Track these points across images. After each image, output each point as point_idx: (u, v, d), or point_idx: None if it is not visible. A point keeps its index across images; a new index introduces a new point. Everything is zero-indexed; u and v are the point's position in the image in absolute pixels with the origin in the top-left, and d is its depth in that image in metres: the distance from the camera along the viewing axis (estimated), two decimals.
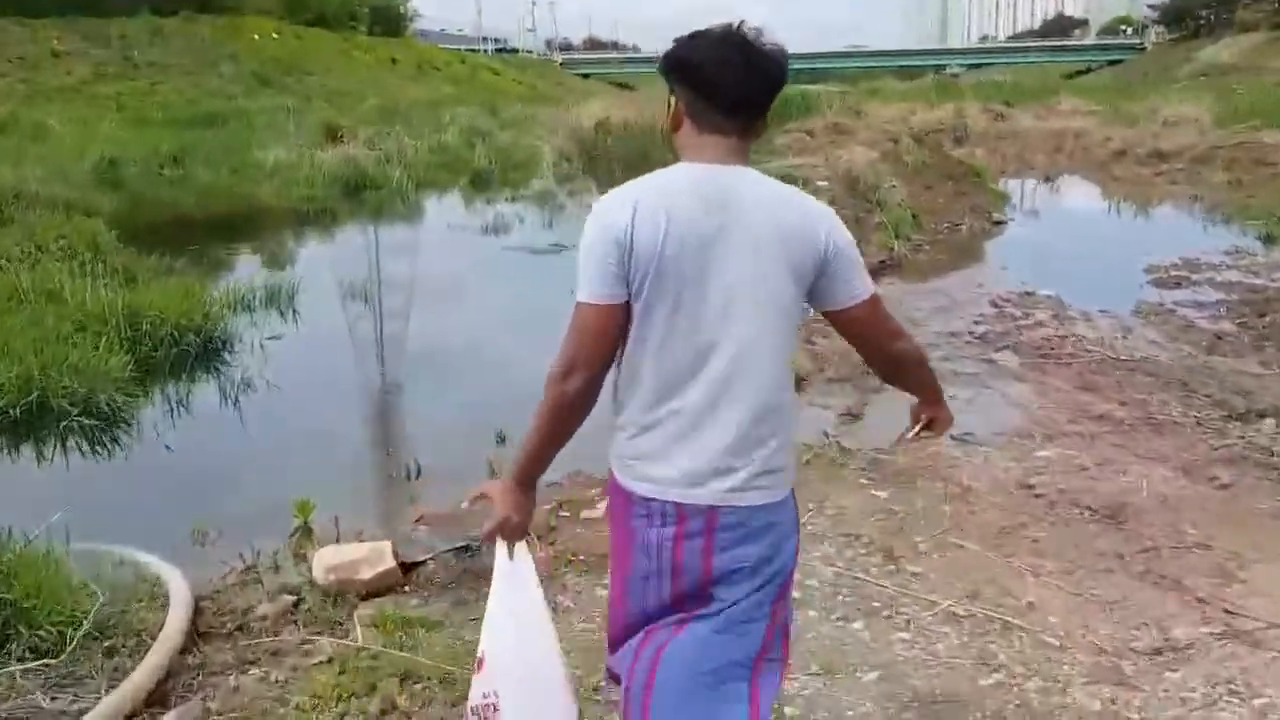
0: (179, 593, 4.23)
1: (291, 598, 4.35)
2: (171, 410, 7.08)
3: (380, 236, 14.41)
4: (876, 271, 10.41)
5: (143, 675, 3.62)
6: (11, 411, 6.51)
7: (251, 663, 3.87)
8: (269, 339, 8.53)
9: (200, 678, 3.77)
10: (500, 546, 2.33)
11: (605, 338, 2.15)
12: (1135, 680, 3.41)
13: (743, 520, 2.18)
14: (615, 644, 2.39)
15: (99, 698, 3.55)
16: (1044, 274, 10.64)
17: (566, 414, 2.18)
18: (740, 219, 2.12)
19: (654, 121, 18.76)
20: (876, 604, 3.96)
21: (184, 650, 3.92)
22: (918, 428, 2.48)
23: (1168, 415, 6.14)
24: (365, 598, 4.30)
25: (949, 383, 6.89)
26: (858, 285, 2.20)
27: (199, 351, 8.10)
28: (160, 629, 3.95)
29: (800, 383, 6.64)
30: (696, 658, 2.20)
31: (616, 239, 2.10)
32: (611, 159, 18.71)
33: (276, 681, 3.72)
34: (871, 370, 2.42)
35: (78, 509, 5.28)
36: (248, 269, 11.68)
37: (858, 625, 3.81)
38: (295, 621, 4.17)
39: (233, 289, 9.73)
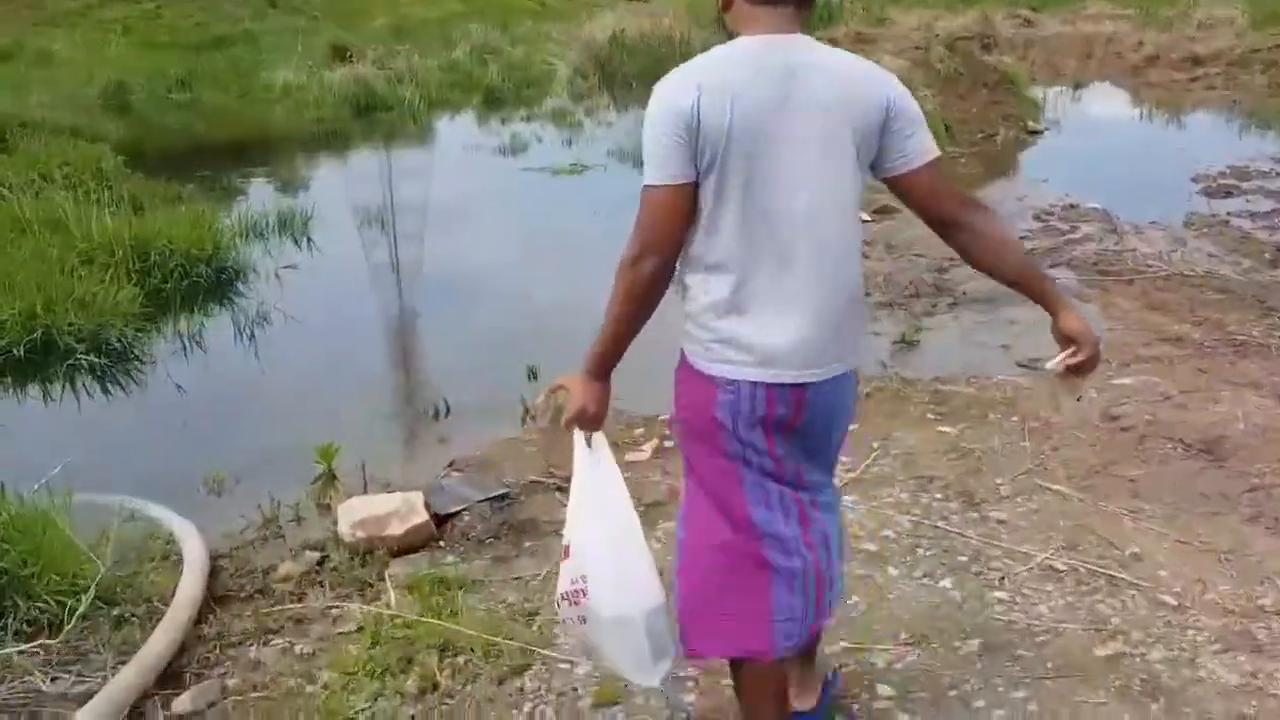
0: (194, 552, 3.83)
1: (316, 554, 3.95)
2: (184, 347, 6.64)
3: (394, 159, 13.81)
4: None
5: (153, 651, 3.23)
6: (15, 350, 6.09)
7: (274, 632, 3.47)
8: (284, 268, 8.06)
9: (217, 650, 3.38)
10: (578, 436, 2.36)
11: (676, 219, 2.12)
12: (1273, 648, 2.98)
13: (827, 393, 2.19)
14: (712, 550, 2.31)
15: (105, 678, 3.17)
16: (1086, 185, 10.03)
17: (640, 299, 2.15)
18: (804, 86, 2.09)
19: (670, 33, 18.00)
20: (963, 557, 3.53)
21: (199, 619, 3.53)
22: (1063, 356, 2.20)
23: (1249, 336, 5.64)
24: (396, 554, 3.89)
25: (1006, 303, 6.41)
26: (926, 143, 2.17)
27: (211, 283, 7.64)
28: (174, 594, 3.56)
29: None
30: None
31: (683, 118, 2.07)
32: (628, 73, 17.96)
33: (301, 654, 3.33)
34: (954, 249, 2.26)
35: (84, 456, 4.88)
36: (259, 195, 11.16)
37: (946, 584, 3.38)
38: (321, 582, 3.77)
39: (244, 216, 9.22)
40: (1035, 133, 13.92)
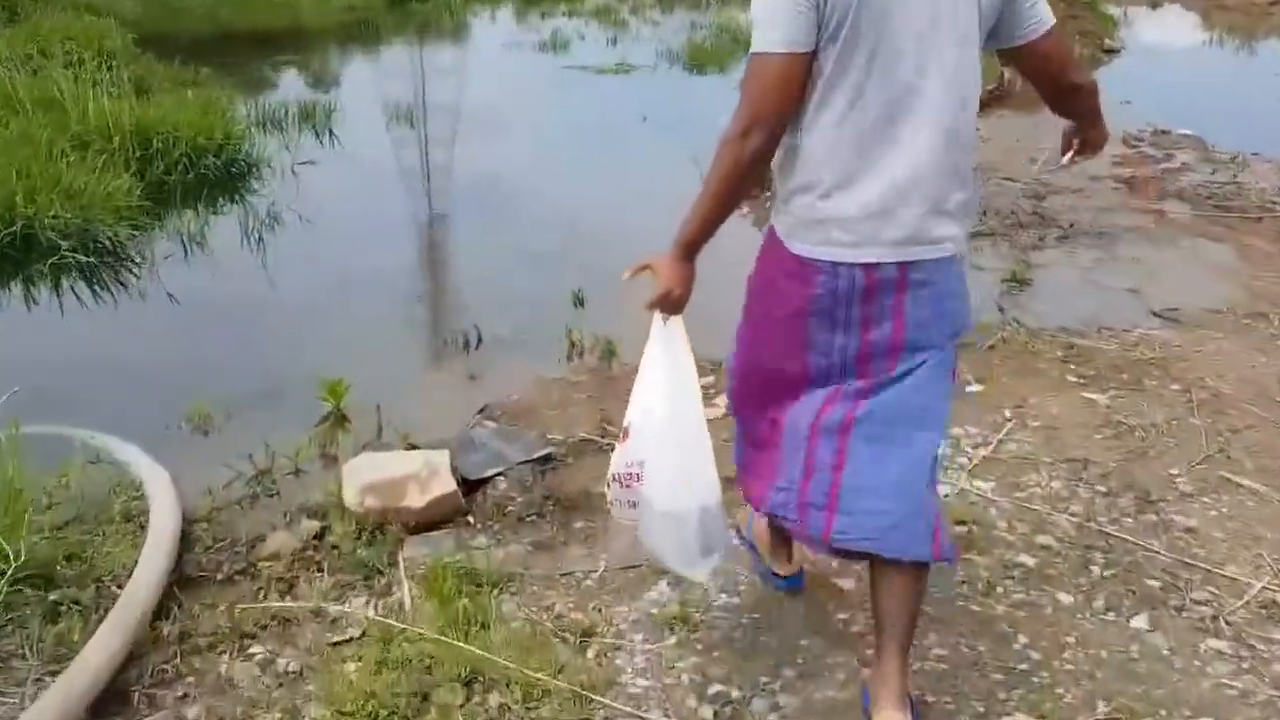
0: (163, 517, 2.99)
1: (315, 524, 3.11)
2: (183, 248, 5.73)
3: (427, 54, 12.72)
4: (985, 102, 8.84)
5: (89, 667, 2.39)
6: None
7: (253, 636, 2.63)
8: (301, 164, 7.12)
9: (178, 659, 2.54)
10: (657, 315, 2.18)
11: (791, 90, 1.94)
12: None
13: (932, 277, 2.02)
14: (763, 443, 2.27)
15: (25, 699, 2.34)
16: (1172, 110, 8.92)
17: (743, 176, 1.99)
18: None
19: None
20: (1153, 582, 2.65)
21: (160, 609, 2.69)
22: (1071, 152, 2.26)
23: None
24: (413, 530, 3.04)
25: (1124, 239, 5.48)
26: (1045, 12, 2.02)
27: (219, 177, 6.72)
28: (130, 578, 2.73)
29: None
30: (888, 415, 2.06)
31: None
32: None
33: (286, 672, 2.50)
34: (1047, 102, 2.16)
35: (53, 376, 4.04)
36: (282, 85, 10.17)
37: (1141, 623, 2.49)
38: (319, 564, 2.92)
39: (263, 106, 8.27)
40: (1112, 51, 12.73)
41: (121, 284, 5.34)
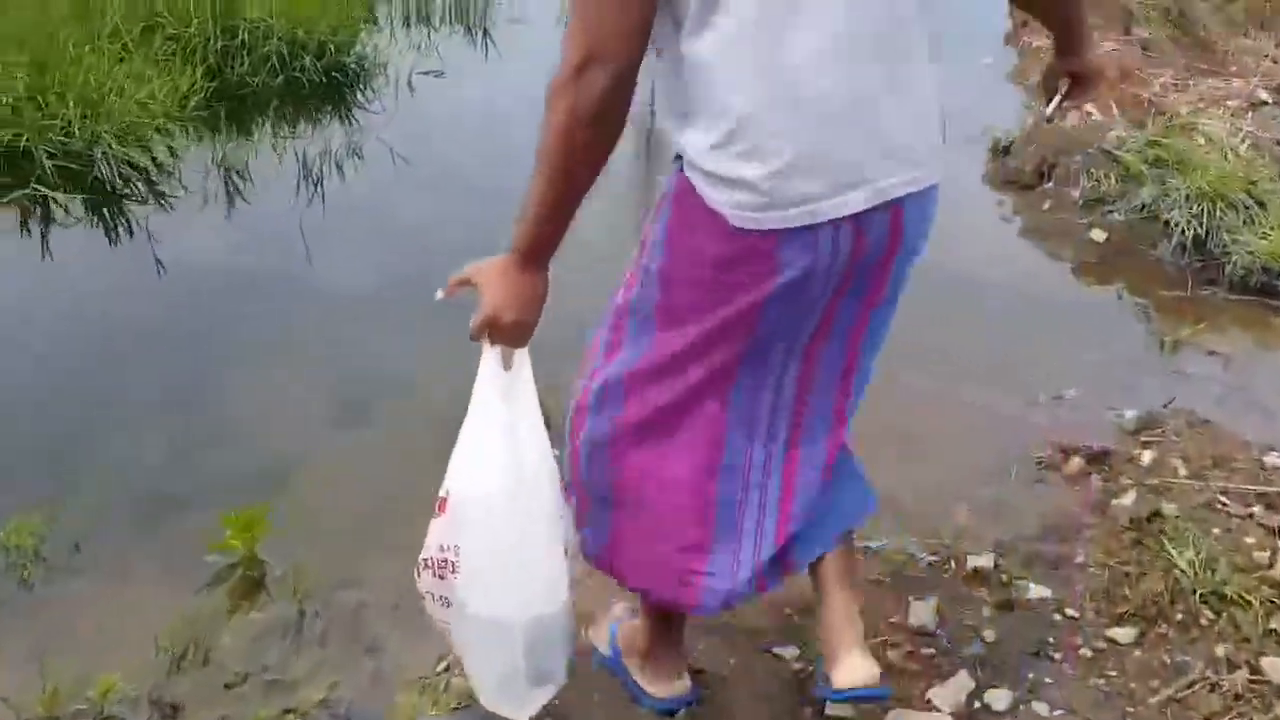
0: None
1: None
2: (215, 192, 4.17)
3: None
4: None
5: None
6: None
7: None
8: (423, 74, 5.42)
9: None
10: (489, 352, 1.44)
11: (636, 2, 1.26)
12: None
13: (924, 207, 1.47)
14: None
15: None
16: None
17: (587, 136, 1.29)
18: None
19: None
20: None
21: None
22: (1058, 98, 1.74)
23: None
24: None
25: None
26: None
27: (313, 84, 5.09)
28: None
29: None
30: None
31: None
32: None
33: None
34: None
35: None
36: None
37: None
38: None
39: None
40: None
41: (108, 236, 3.84)
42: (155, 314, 3.29)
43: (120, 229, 3.87)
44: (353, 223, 3.94)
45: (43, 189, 3.86)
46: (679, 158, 1.43)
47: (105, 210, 3.95)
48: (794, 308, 1.44)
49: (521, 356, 1.47)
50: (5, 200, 3.84)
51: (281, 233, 3.81)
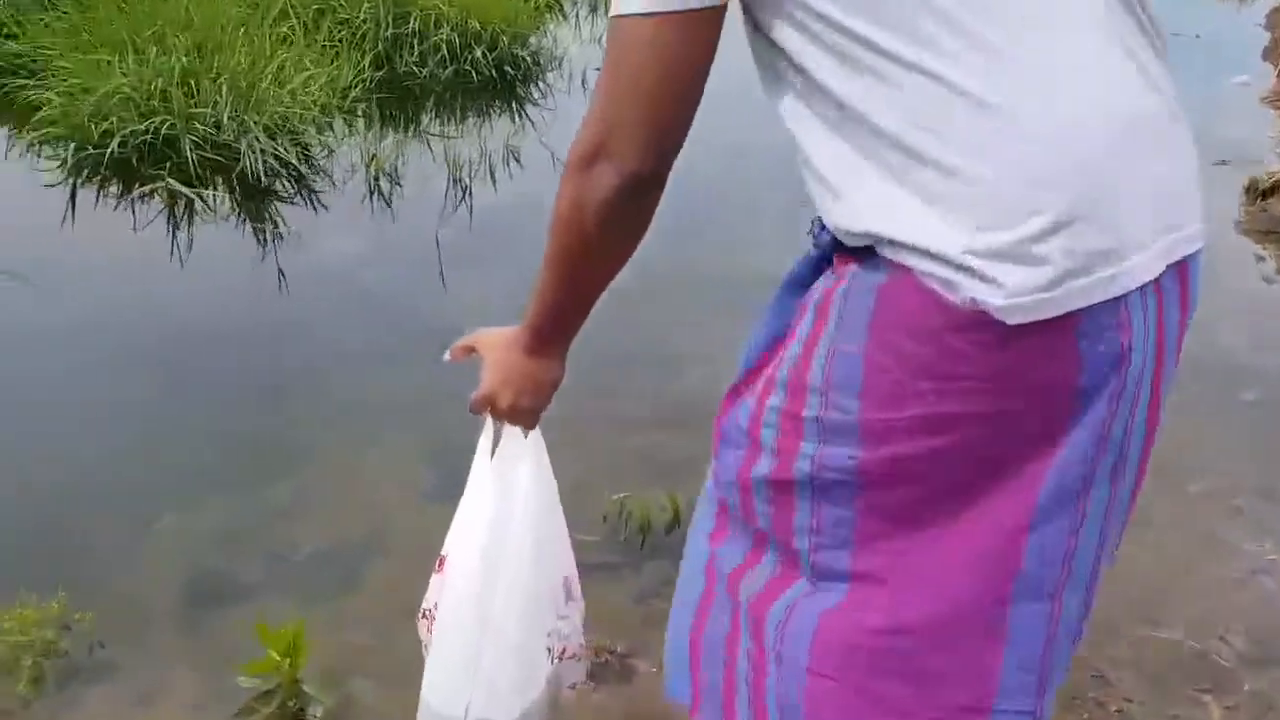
0: None
1: None
2: (374, 191, 3.85)
3: None
4: None
5: None
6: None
7: None
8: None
9: None
10: (489, 426, 1.28)
11: (688, 76, 0.94)
12: None
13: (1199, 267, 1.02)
14: None
15: None
16: None
17: (592, 239, 1.01)
18: None
19: None
20: None
21: None
22: None
23: None
24: None
25: None
26: None
27: (483, 79, 4.74)
28: None
29: None
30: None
31: None
32: None
33: None
34: None
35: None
36: None
37: None
38: None
39: None
40: None
41: (241, 237, 3.54)
42: (257, 331, 2.96)
43: (256, 231, 3.57)
44: (492, 241, 3.51)
45: (175, 183, 3.61)
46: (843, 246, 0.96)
47: (245, 208, 3.67)
48: (1096, 429, 0.95)
49: (535, 437, 1.28)
50: (143, 191, 3.60)
51: (416, 250, 3.42)
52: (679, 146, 0.97)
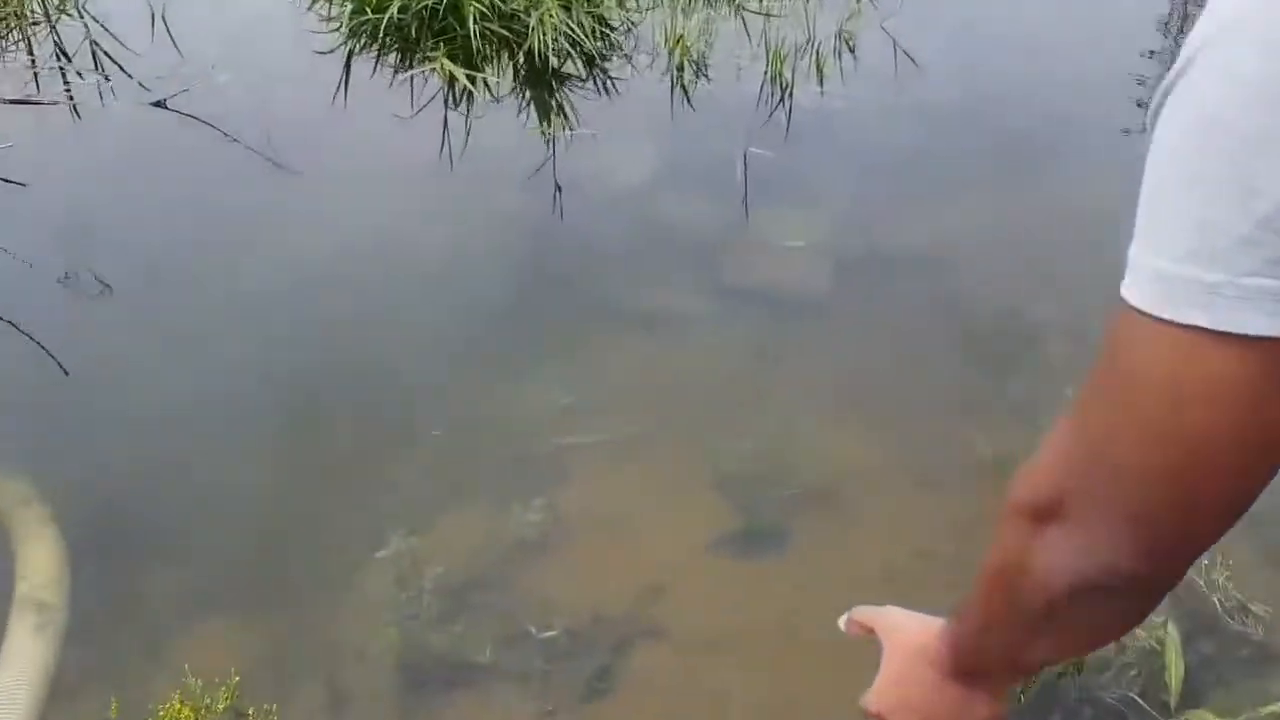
0: None
1: None
2: (675, 89, 3.19)
3: None
4: None
5: None
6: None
7: None
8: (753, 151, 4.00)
9: None
10: None
11: (1242, 441, 0.51)
12: None
13: None
14: None
15: None
16: None
17: (1022, 609, 0.67)
18: None
19: None
20: None
21: None
22: None
23: None
24: None
25: None
26: None
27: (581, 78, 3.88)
28: None
29: None
30: None
31: None
32: None
33: None
34: None
35: None
36: None
37: None
38: None
39: None
40: None
41: (534, 134, 2.98)
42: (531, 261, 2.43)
43: (542, 127, 3.01)
44: (813, 162, 2.79)
45: (451, 64, 3.08)
46: None
47: (531, 97, 3.12)
48: None
49: None
50: (412, 70, 3.11)
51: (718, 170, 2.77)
52: (1202, 550, 0.59)
